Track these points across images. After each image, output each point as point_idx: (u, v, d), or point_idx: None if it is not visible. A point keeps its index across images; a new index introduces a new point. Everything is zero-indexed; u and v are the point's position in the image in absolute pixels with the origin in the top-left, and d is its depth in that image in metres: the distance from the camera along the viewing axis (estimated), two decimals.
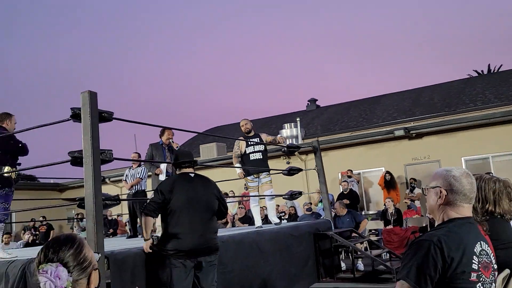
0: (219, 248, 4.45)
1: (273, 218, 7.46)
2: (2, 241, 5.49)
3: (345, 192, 11.75)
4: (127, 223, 12.57)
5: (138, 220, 8.70)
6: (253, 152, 7.19)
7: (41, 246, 1.63)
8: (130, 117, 4.56)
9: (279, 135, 7.60)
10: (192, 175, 4.38)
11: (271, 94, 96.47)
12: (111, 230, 13.88)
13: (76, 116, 4.03)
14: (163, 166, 7.12)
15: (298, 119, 19.03)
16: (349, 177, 12.90)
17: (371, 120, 21.43)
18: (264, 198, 7.65)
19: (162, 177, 7.01)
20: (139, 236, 8.45)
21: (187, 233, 4.06)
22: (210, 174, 13.58)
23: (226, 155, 17.92)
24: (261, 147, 7.22)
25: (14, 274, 3.87)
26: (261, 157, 7.16)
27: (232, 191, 13.54)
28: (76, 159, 4.03)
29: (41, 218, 15.37)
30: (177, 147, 7.46)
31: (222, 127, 28.84)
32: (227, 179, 7.87)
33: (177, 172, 4.46)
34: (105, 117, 4.15)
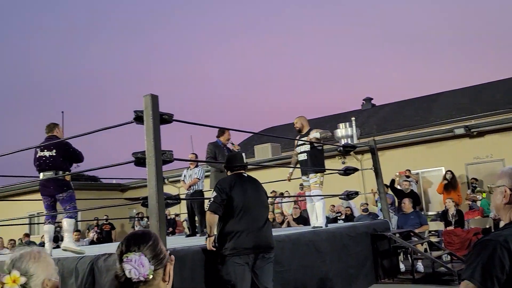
0: (275, 247, 4.53)
1: (316, 220, 6.96)
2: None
3: (406, 192, 11.49)
4: (185, 221, 12.86)
5: (196, 219, 8.96)
6: (300, 153, 7.03)
7: (120, 241, 1.72)
8: (185, 118, 4.69)
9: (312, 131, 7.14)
10: (245, 175, 4.52)
11: (326, 94, 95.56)
12: (170, 229, 14.23)
13: (138, 118, 4.19)
14: None
15: (353, 118, 18.82)
16: (408, 177, 12.57)
17: (428, 119, 20.82)
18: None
19: None
20: (197, 235, 8.62)
21: (246, 231, 4.13)
22: (265, 174, 13.59)
23: (281, 155, 17.95)
24: (307, 147, 6.95)
25: (83, 270, 4.07)
26: (306, 157, 6.89)
27: (287, 191, 13.59)
28: (139, 160, 4.16)
29: (104, 217, 16.00)
30: (238, 149, 7.60)
31: (276, 128, 28.87)
32: (282, 179, 7.88)
33: (229, 173, 4.56)
34: (166, 119, 4.29)
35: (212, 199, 4.31)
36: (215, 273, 4.19)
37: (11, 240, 12.18)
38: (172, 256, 1.75)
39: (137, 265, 1.51)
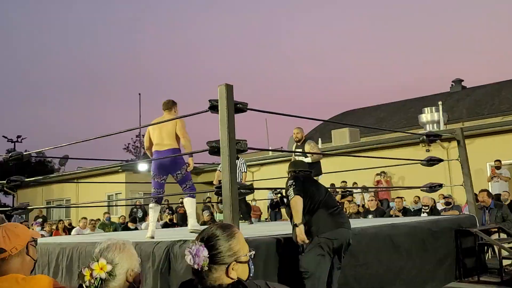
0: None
1: None
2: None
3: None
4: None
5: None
6: None
7: (205, 227, 1.95)
8: (259, 105, 4.86)
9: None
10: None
11: (410, 74, 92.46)
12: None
13: (213, 107, 4.42)
14: None
15: (440, 102, 18.13)
16: (498, 168, 12.05)
17: None
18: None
19: None
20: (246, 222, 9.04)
21: (329, 223, 4.31)
22: (342, 162, 13.42)
23: (360, 141, 17.82)
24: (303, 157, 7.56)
25: (159, 255, 4.33)
26: None
27: (362, 184, 13.62)
28: (213, 149, 4.38)
29: (180, 200, 16.70)
30: None
31: (355, 111, 28.42)
32: (360, 168, 7.84)
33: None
34: (240, 108, 4.47)
35: (292, 185, 4.37)
36: (292, 263, 4.31)
37: (91, 220, 13.05)
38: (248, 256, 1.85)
39: (194, 254, 1.70)
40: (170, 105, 6.00)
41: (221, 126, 4.28)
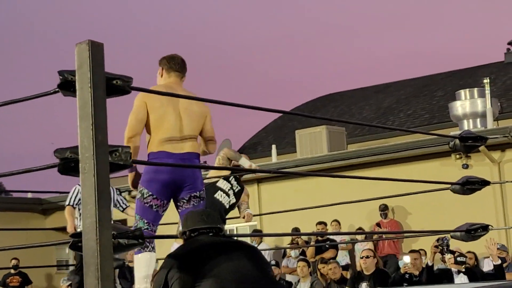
0: None
1: None
2: None
3: None
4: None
5: None
6: None
7: None
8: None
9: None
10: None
11: (439, 35, 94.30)
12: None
13: (67, 85, 3.79)
14: None
15: (486, 80, 14.86)
16: None
17: None
18: None
19: None
20: None
21: None
22: (317, 185, 13.23)
23: (346, 150, 14.88)
24: None
25: None
26: None
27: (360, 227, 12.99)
28: (67, 163, 3.63)
29: (12, 263, 13.39)
30: None
31: (341, 96, 27.48)
32: (347, 202, 7.54)
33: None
34: (118, 86, 3.86)
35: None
36: None
37: None
38: None
39: None
40: (186, 68, 5.29)
41: (81, 120, 3.68)
